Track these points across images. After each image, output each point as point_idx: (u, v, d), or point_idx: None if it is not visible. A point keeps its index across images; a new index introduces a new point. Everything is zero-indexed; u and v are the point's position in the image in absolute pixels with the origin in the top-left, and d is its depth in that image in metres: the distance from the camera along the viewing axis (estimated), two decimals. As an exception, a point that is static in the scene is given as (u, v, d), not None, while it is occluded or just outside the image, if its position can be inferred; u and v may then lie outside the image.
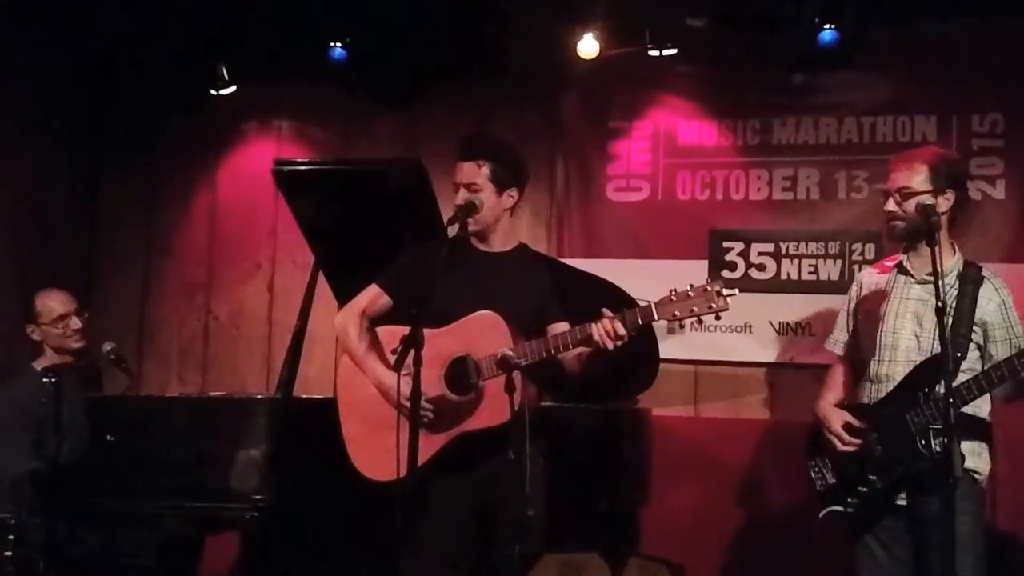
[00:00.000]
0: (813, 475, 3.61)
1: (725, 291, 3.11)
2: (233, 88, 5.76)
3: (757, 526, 5.19)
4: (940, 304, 3.08)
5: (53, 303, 4.40)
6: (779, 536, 5.13)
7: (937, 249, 3.19)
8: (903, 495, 3.43)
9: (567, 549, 4.38)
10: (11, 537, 3.87)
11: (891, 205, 3.52)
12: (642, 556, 4.72)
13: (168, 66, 5.84)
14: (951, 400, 3.04)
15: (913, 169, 3.50)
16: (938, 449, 3.31)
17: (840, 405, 3.65)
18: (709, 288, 3.12)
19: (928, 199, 3.39)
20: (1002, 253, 4.92)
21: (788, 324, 5.29)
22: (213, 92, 5.77)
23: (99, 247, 6.35)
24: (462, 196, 3.44)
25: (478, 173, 3.45)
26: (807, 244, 5.32)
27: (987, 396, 3.41)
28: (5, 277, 5.38)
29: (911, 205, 3.45)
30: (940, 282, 3.13)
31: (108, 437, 3.99)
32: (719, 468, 5.25)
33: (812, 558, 4.92)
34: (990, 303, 3.46)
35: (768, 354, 5.32)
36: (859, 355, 3.69)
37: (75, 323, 4.40)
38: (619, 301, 3.30)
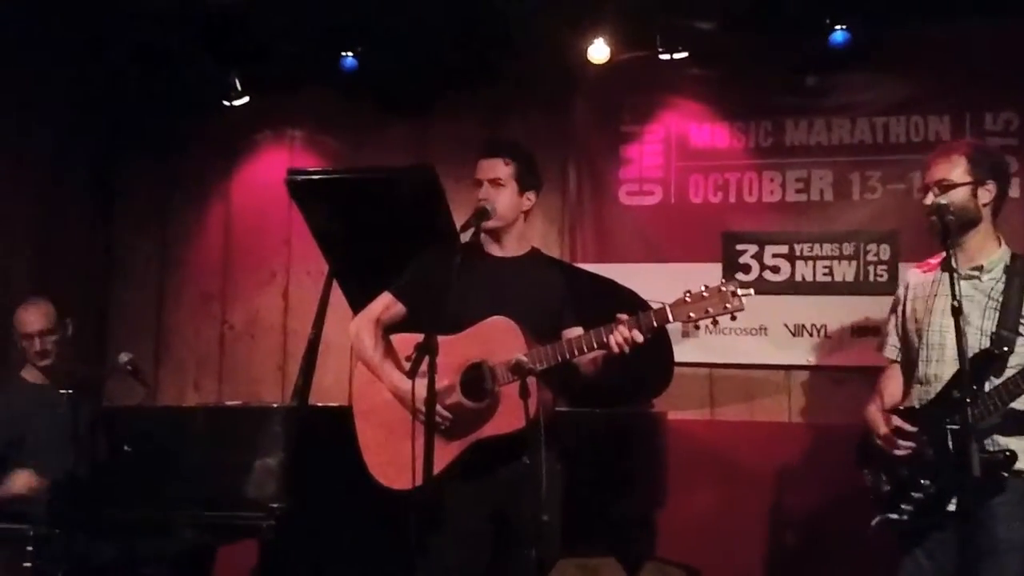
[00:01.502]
0: (868, 483, 3.48)
1: (740, 291, 3.09)
2: (246, 99, 5.79)
3: (774, 529, 5.17)
4: (956, 304, 3.03)
5: (28, 317, 4.47)
6: (797, 539, 5.12)
7: (956, 250, 3.19)
8: (952, 501, 3.29)
9: (583, 553, 4.37)
10: (29, 549, 3.89)
11: (930, 199, 3.42)
12: (659, 560, 4.71)
13: (181, 77, 5.87)
14: (966, 400, 3.00)
15: (951, 161, 3.43)
16: (990, 449, 3.22)
17: (891, 409, 3.53)
18: (724, 288, 3.10)
19: (963, 193, 3.34)
20: (1018, 251, 4.88)
21: (803, 326, 5.27)
22: (226, 103, 5.79)
23: (114, 258, 6.39)
24: (485, 191, 3.44)
25: (503, 169, 3.46)
26: (821, 245, 5.30)
27: None
28: (20, 289, 5.41)
29: (951, 198, 3.36)
30: (955, 280, 3.08)
31: (125, 448, 4.01)
32: (735, 471, 5.23)
33: (829, 561, 4.90)
34: None
35: (784, 356, 5.30)
36: (908, 357, 3.58)
37: (38, 345, 4.43)
38: (632, 304, 3.30)
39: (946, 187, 3.40)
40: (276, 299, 6.16)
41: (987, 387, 3.25)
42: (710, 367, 5.42)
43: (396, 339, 3.52)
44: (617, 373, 3.35)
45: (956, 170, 3.41)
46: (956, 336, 3.05)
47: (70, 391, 4.03)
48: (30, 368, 4.48)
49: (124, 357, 4.37)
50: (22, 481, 4.19)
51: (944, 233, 3.24)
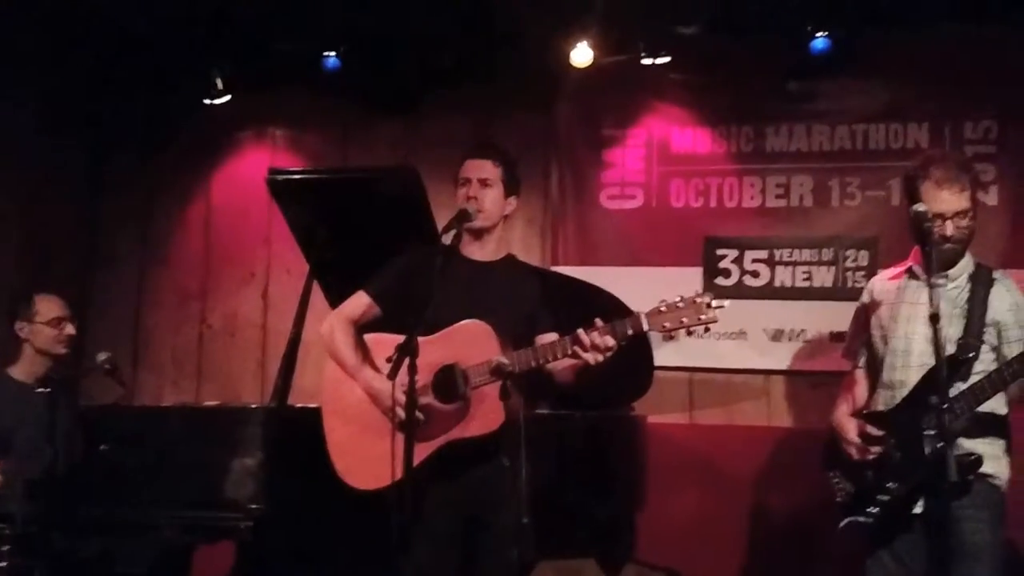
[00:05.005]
0: (833, 486, 3.53)
1: (714, 303, 3.07)
2: (228, 97, 5.77)
3: (753, 533, 5.19)
4: (934, 311, 3.05)
5: (53, 304, 4.42)
6: (775, 543, 5.14)
7: (934, 253, 3.20)
8: (920, 503, 3.34)
9: (563, 556, 4.38)
10: (7, 547, 3.86)
11: (951, 230, 3.43)
12: (638, 563, 4.73)
13: (164, 75, 5.85)
14: (944, 406, 3.02)
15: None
16: (957, 453, 3.18)
17: (856, 414, 3.58)
18: (699, 300, 3.08)
19: (921, 206, 3.39)
20: (996, 260, 4.90)
21: (782, 331, 5.30)
22: (208, 101, 5.77)
23: (94, 256, 6.35)
24: (473, 189, 3.46)
25: (492, 170, 3.49)
26: (801, 251, 5.33)
27: (1004, 397, 3.37)
28: (1, 286, 5.37)
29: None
30: (932, 286, 3.12)
31: (103, 447, 3.99)
32: (714, 475, 5.25)
33: (808, 564, 4.92)
34: (1002, 303, 3.41)
35: (762, 361, 5.33)
36: (873, 363, 3.62)
37: (70, 328, 4.42)
38: (611, 308, 3.30)
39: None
40: (256, 298, 6.14)
41: (952, 392, 3.26)
42: (690, 371, 5.44)
43: (369, 339, 3.51)
44: (598, 378, 3.36)
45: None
46: (934, 343, 3.07)
47: (48, 390, 4.00)
48: (20, 365, 4.42)
49: (102, 356, 4.35)
50: None
51: (922, 239, 3.26)
